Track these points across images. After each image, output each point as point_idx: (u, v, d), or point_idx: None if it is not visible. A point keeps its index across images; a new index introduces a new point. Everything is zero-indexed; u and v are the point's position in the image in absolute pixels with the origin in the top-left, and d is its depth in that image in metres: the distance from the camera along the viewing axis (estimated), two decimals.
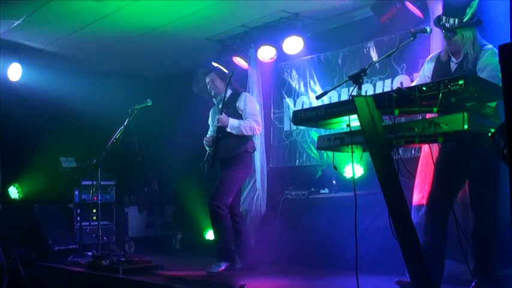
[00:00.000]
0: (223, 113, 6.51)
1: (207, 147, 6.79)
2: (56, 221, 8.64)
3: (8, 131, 8.95)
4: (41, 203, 8.74)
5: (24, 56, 8.56)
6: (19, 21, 7.57)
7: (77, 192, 8.89)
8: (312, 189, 7.39)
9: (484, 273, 4.52)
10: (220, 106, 6.59)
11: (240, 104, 6.66)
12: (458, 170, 4.62)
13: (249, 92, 8.10)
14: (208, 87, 6.81)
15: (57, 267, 7.67)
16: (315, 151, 7.76)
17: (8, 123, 8.78)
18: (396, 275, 5.14)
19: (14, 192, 8.89)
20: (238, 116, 6.62)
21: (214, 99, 6.91)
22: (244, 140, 6.62)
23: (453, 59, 4.73)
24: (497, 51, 2.88)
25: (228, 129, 6.50)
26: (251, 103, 6.75)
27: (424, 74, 4.96)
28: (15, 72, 8.42)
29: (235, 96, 6.74)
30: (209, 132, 7.05)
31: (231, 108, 6.64)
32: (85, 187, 8.77)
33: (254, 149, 6.87)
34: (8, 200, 8.76)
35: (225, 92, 6.58)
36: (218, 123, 6.53)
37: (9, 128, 8.89)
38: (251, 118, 6.60)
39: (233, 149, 6.58)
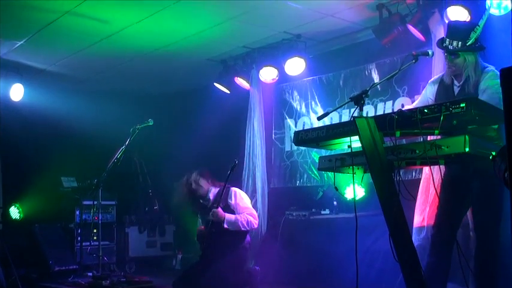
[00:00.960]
0: (219, 208, 6.25)
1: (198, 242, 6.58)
2: (56, 241, 8.62)
3: (9, 151, 8.97)
4: (41, 223, 8.73)
5: (26, 76, 8.60)
6: (21, 42, 7.62)
7: (77, 212, 8.88)
8: (313, 210, 7.38)
9: None
10: (209, 204, 6.40)
11: (231, 200, 6.43)
12: (462, 193, 4.61)
13: (250, 113, 8.14)
14: (193, 187, 6.57)
15: None
16: (316, 172, 7.77)
17: (9, 142, 8.80)
18: None
19: (14, 212, 8.88)
20: (231, 212, 6.36)
21: (201, 200, 6.67)
22: (241, 236, 6.38)
23: (456, 82, 4.74)
24: (498, 73, 2.89)
25: (225, 226, 6.22)
26: (243, 197, 6.54)
27: (426, 95, 4.96)
28: (17, 92, 8.45)
29: (226, 193, 6.47)
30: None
31: (222, 205, 6.35)
32: (86, 207, 8.78)
33: (250, 245, 6.59)
34: (8, 220, 8.74)
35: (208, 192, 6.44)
36: (213, 217, 6.25)
37: (10, 147, 8.91)
38: (246, 212, 6.37)
39: (230, 246, 6.31)
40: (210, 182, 6.57)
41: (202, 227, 6.62)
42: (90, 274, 7.92)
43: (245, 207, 6.40)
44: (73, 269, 8.26)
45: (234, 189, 6.55)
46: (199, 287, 5.96)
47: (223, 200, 6.38)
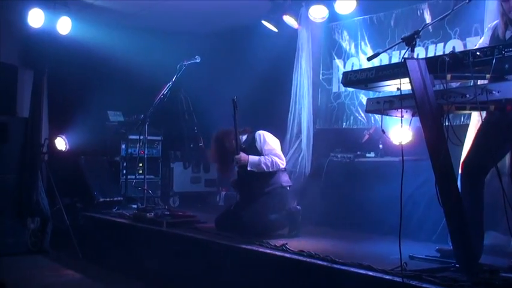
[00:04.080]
0: (240, 153, 6.20)
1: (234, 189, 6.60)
2: (101, 173, 8.82)
3: (55, 83, 9.07)
4: (87, 155, 8.90)
5: (74, 9, 8.57)
6: None
7: (123, 146, 9.03)
8: (358, 152, 7.31)
9: None
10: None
11: (257, 144, 6.37)
12: (503, 138, 4.49)
13: (298, 53, 8.03)
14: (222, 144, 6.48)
15: (101, 218, 7.85)
16: (363, 114, 7.67)
17: (56, 75, 8.89)
18: (438, 243, 5.09)
19: (60, 143, 9.02)
20: (258, 155, 6.30)
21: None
22: (274, 173, 6.33)
23: (510, 27, 4.57)
24: None
25: (249, 168, 6.20)
26: (268, 139, 6.43)
27: (484, 41, 4.81)
28: (64, 25, 8.43)
29: (251, 138, 6.46)
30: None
31: (251, 152, 6.31)
32: (132, 141, 8.92)
33: (289, 184, 6.50)
34: (54, 152, 8.90)
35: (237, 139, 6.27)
36: (237, 164, 6.24)
37: (57, 80, 9.01)
38: (271, 153, 6.30)
39: (265, 186, 6.28)
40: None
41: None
42: (134, 206, 8.10)
43: (270, 149, 6.34)
44: (117, 201, 8.46)
45: (259, 132, 6.49)
46: (241, 225, 6.02)
47: (250, 144, 6.40)
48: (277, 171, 6.35)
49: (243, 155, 6.20)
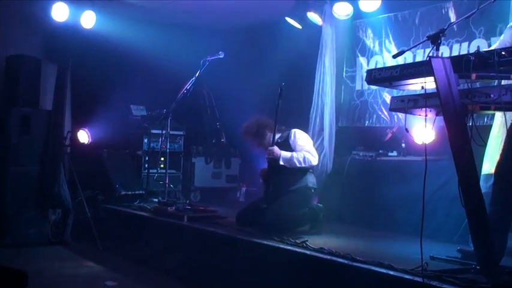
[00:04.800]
0: (274, 145, 6.24)
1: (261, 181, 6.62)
2: (123, 166, 8.87)
3: (79, 77, 9.12)
4: (109, 149, 8.96)
5: (99, 3, 8.61)
6: None
7: (146, 140, 9.07)
8: (380, 151, 7.30)
9: None
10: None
11: (290, 140, 6.38)
12: None
13: (321, 50, 8.01)
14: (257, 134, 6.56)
15: (122, 211, 7.91)
16: (386, 112, 7.64)
17: (79, 69, 8.94)
18: (459, 244, 5.06)
19: (83, 136, 9.08)
20: (290, 151, 6.31)
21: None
22: (302, 173, 6.35)
23: None
24: None
25: (281, 162, 6.20)
26: (301, 136, 6.44)
27: (505, 39, 4.77)
28: (88, 19, 8.49)
29: (286, 135, 6.46)
30: None
31: (284, 148, 6.31)
32: (154, 135, 8.96)
33: (315, 186, 6.49)
34: (77, 144, 8.96)
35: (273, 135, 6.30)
36: (270, 155, 6.24)
37: (80, 74, 9.05)
38: (303, 150, 6.29)
39: (291, 184, 6.30)
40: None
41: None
42: (155, 200, 8.14)
43: (303, 145, 6.33)
44: (139, 194, 8.50)
45: (294, 130, 6.50)
46: (263, 221, 6.03)
47: (284, 140, 6.40)
48: (305, 171, 6.35)
49: (276, 148, 6.21)
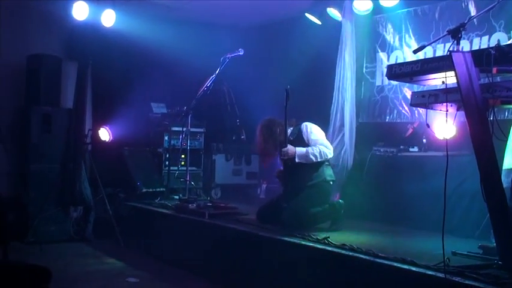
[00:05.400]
0: (288, 145, 6.21)
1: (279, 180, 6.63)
2: (144, 164, 8.91)
3: (100, 75, 9.17)
4: (130, 146, 9.00)
5: (119, 2, 8.64)
6: None
7: (166, 138, 9.10)
8: (401, 146, 7.25)
9: None
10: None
11: (303, 135, 6.36)
12: None
13: (341, 45, 7.98)
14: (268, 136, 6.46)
15: (144, 208, 7.94)
16: (406, 108, 7.60)
17: (100, 67, 8.99)
18: (480, 240, 5.02)
19: (104, 134, 9.13)
20: (305, 146, 6.29)
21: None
22: (318, 167, 6.33)
23: None
24: None
25: (297, 160, 6.19)
26: (314, 130, 6.41)
27: None
28: (108, 18, 8.53)
29: (298, 130, 6.44)
30: None
31: (298, 144, 6.30)
32: (174, 133, 8.97)
33: (333, 179, 6.49)
34: (98, 142, 9.01)
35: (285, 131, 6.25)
36: (284, 156, 6.21)
37: (101, 72, 9.09)
38: (318, 143, 6.28)
39: (308, 180, 6.29)
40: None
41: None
42: (176, 197, 8.17)
43: (316, 139, 6.32)
44: (160, 191, 8.53)
45: (304, 123, 6.48)
46: (283, 217, 6.03)
47: (297, 136, 6.38)
48: (321, 164, 6.33)
49: (290, 148, 6.20)
